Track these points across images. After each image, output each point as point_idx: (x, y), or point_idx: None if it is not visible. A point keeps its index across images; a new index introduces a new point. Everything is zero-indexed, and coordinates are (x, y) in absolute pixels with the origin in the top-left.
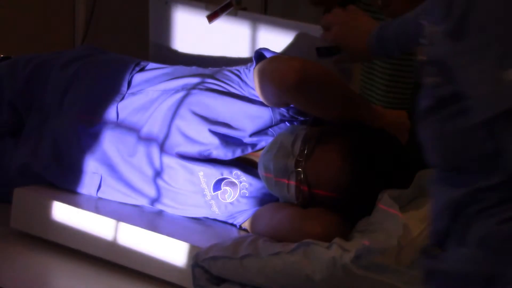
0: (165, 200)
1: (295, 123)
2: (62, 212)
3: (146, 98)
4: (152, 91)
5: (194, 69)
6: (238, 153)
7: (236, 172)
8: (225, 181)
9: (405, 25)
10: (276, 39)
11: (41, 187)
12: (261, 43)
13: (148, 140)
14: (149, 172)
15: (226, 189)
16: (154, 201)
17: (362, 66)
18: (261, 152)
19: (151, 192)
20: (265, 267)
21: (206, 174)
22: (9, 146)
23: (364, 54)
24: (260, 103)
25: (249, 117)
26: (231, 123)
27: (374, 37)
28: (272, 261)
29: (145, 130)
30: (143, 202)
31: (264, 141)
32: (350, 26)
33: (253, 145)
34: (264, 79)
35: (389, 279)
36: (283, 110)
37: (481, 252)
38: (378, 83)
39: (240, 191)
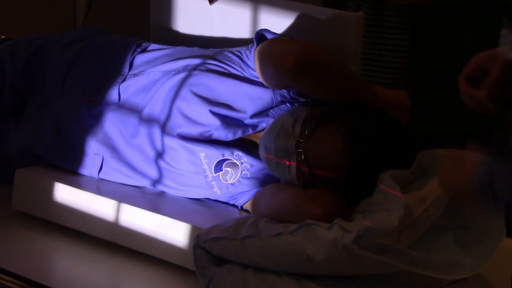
0: (166, 181)
1: (296, 104)
2: (64, 193)
3: (147, 79)
4: (154, 72)
5: (195, 50)
6: (239, 134)
7: (237, 153)
8: (226, 162)
9: None
10: (278, 20)
11: (42, 168)
12: (262, 24)
13: (149, 121)
14: (151, 153)
15: (227, 170)
16: (155, 182)
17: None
18: (262, 133)
19: (153, 173)
20: (266, 248)
21: (207, 155)
22: (11, 127)
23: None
24: (261, 84)
25: (250, 98)
26: (232, 104)
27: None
28: (273, 242)
29: (146, 112)
30: (144, 183)
31: (265, 122)
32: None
33: (254, 126)
34: (265, 61)
35: (390, 260)
36: (284, 91)
37: None
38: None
39: (241, 172)
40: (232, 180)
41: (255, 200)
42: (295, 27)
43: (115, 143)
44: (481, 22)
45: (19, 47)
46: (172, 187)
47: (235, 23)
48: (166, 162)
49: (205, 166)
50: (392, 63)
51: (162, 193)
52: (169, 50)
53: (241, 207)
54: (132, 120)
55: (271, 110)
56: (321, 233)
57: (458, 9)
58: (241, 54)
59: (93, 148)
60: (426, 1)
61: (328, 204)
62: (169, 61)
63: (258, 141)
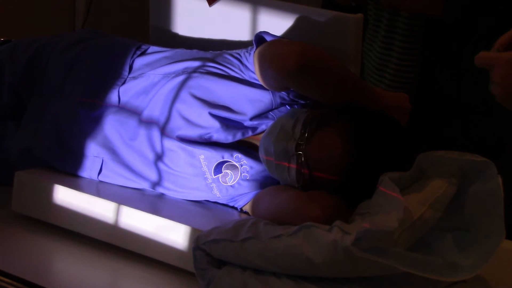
0: (166, 183)
1: (296, 106)
2: (63, 195)
3: (147, 82)
4: (153, 75)
5: (194, 52)
6: (239, 136)
7: (237, 155)
8: (226, 164)
9: None
10: (277, 22)
11: (42, 171)
12: (262, 26)
13: (149, 123)
14: (150, 156)
15: (227, 172)
16: (155, 184)
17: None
18: (261, 135)
19: (152, 175)
20: (266, 250)
21: (207, 157)
22: (10, 129)
23: None
24: (261, 87)
25: (250, 100)
26: (232, 106)
27: None
28: (273, 244)
29: (146, 114)
30: (144, 185)
31: (265, 125)
32: None
33: (254, 129)
34: (264, 63)
35: (389, 262)
36: (283, 93)
37: None
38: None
39: (241, 174)
40: (231, 182)
41: (255, 202)
42: (294, 29)
43: (114, 146)
44: (492, 35)
45: (18, 49)
46: (172, 189)
47: (235, 25)
48: (165, 164)
49: (205, 168)
50: (401, 71)
51: (161, 195)
52: (168, 53)
53: (241, 209)
54: (132, 123)
55: (270, 112)
56: (321, 235)
57: (470, 20)
58: (241, 56)
59: (93, 151)
60: (439, 11)
61: (328, 206)
62: (168, 63)
63: (257, 143)
